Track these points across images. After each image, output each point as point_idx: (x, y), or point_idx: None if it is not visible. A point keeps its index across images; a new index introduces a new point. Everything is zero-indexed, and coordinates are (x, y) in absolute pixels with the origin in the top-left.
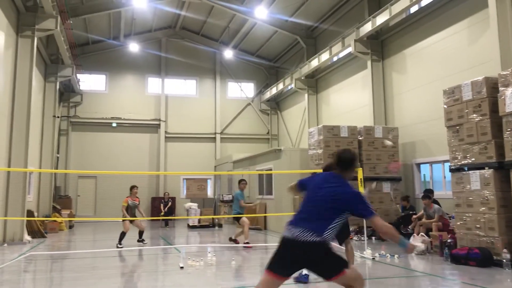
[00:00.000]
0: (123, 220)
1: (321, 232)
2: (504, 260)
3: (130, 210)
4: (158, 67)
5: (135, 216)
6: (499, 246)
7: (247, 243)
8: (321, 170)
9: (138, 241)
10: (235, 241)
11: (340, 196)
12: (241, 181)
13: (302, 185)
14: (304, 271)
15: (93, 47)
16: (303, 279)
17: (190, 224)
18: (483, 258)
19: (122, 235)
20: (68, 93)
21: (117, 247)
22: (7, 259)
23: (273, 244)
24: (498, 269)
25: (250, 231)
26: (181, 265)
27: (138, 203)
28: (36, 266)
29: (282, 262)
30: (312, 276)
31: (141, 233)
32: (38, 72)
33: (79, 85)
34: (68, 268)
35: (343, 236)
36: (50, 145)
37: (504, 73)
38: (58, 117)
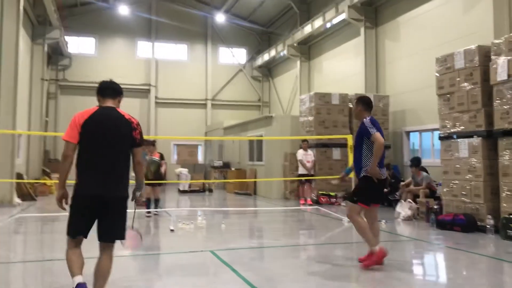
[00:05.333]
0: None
1: None
2: (488, 226)
3: (148, 167)
4: (148, 31)
5: (152, 174)
6: (484, 212)
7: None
8: (309, 137)
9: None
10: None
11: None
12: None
13: None
14: None
15: (81, 9)
16: None
17: (181, 189)
18: (467, 224)
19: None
20: (56, 56)
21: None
22: None
23: (263, 208)
24: (482, 235)
25: (240, 196)
26: (172, 228)
27: (158, 159)
28: (27, 228)
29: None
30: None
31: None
32: (25, 33)
33: (68, 48)
34: (59, 230)
35: None
36: (39, 108)
37: (497, 41)
38: (46, 80)
